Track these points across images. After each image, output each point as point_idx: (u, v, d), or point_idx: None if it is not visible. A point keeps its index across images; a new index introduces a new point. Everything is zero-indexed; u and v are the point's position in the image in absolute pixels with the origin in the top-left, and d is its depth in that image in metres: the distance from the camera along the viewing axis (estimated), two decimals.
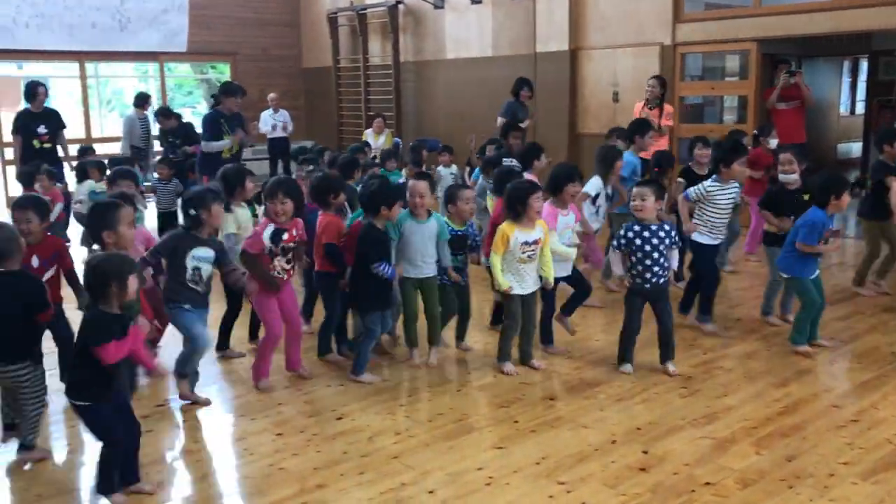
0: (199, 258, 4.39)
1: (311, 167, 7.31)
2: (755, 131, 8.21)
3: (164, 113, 11.17)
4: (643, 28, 10.26)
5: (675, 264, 4.97)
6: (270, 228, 4.61)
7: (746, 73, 9.78)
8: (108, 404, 3.36)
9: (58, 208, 7.59)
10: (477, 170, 9.23)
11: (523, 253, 4.79)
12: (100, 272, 3.31)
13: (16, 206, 4.46)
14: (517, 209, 4.75)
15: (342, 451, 3.94)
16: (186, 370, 4.52)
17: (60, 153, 9.72)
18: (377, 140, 10.80)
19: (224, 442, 4.16)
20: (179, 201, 5.81)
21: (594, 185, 6.21)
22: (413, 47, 13.44)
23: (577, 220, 5.45)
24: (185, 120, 11.30)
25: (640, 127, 7.15)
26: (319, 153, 8.89)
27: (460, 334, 5.41)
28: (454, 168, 9.44)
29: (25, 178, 8.05)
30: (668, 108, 8.88)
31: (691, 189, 5.67)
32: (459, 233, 5.13)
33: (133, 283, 3.35)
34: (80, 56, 13.17)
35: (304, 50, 15.42)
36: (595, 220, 6.27)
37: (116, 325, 3.30)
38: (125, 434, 3.42)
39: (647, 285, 4.82)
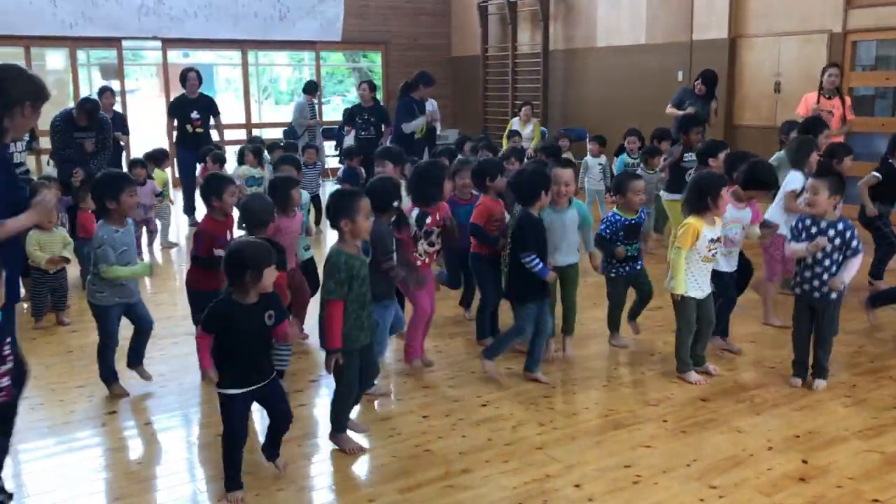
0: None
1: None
2: None
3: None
4: (811, 14, 9.68)
5: (847, 276, 4.37)
6: (416, 211, 4.68)
7: None
8: (241, 395, 3.30)
9: None
10: (619, 160, 9.05)
11: (709, 251, 4.55)
12: (236, 258, 3.24)
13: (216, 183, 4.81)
14: (707, 202, 4.48)
15: (487, 438, 3.94)
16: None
17: (214, 138, 10.14)
18: (524, 129, 10.73)
19: (371, 420, 4.22)
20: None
21: (796, 179, 5.61)
22: (563, 35, 13.28)
23: (756, 221, 5.00)
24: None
25: (815, 125, 6.59)
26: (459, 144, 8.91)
27: (633, 315, 5.28)
28: (603, 158, 9.27)
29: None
30: (847, 99, 8.34)
31: None
32: (633, 221, 4.98)
33: (270, 274, 3.25)
34: (243, 45, 13.80)
35: (453, 39, 15.53)
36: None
37: (246, 316, 3.25)
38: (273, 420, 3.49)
39: (816, 294, 4.41)
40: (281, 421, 3.51)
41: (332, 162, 13.34)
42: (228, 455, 3.36)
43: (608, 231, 5.00)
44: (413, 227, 4.67)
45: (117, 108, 10.46)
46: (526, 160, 7.03)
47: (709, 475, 3.56)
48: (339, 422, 3.86)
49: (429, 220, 4.70)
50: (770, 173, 4.97)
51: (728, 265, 4.92)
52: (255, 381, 3.33)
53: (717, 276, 4.77)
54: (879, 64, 10.07)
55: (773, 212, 5.63)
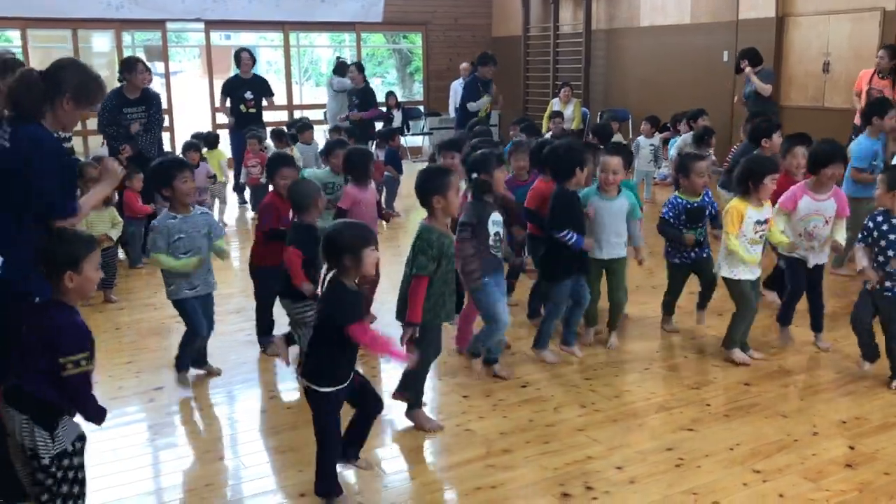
0: (496, 222, 4.27)
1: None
2: None
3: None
4: None
5: None
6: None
7: None
8: (344, 389, 3.17)
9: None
10: (673, 141, 8.93)
11: (756, 233, 4.46)
12: (333, 243, 3.10)
13: (279, 162, 4.91)
14: (748, 186, 4.41)
15: (528, 419, 3.94)
16: (479, 350, 4.41)
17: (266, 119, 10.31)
18: (565, 109, 10.65)
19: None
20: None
21: None
22: (606, 15, 13.11)
23: (843, 214, 4.69)
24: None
25: (880, 106, 6.30)
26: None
27: (702, 304, 5.17)
28: (656, 139, 9.16)
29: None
30: None
31: None
32: (695, 205, 4.85)
33: (371, 256, 3.11)
34: (284, 26, 13.85)
35: (494, 19, 15.42)
36: None
37: (359, 304, 3.14)
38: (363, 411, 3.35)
39: (888, 293, 4.19)
40: (374, 409, 3.38)
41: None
42: (330, 459, 3.20)
43: (670, 214, 4.88)
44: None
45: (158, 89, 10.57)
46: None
47: (752, 459, 3.53)
48: (417, 398, 3.88)
49: None
50: (834, 147, 4.73)
51: (815, 258, 4.72)
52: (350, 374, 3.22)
53: (793, 266, 4.73)
54: None
55: None
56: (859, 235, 4.35)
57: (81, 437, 2.80)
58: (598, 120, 12.16)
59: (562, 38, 13.90)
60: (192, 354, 4.48)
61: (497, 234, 4.24)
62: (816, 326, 4.87)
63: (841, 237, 4.67)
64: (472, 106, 9.85)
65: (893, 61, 7.99)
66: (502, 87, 15.20)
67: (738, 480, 3.36)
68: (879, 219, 4.22)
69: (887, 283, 4.20)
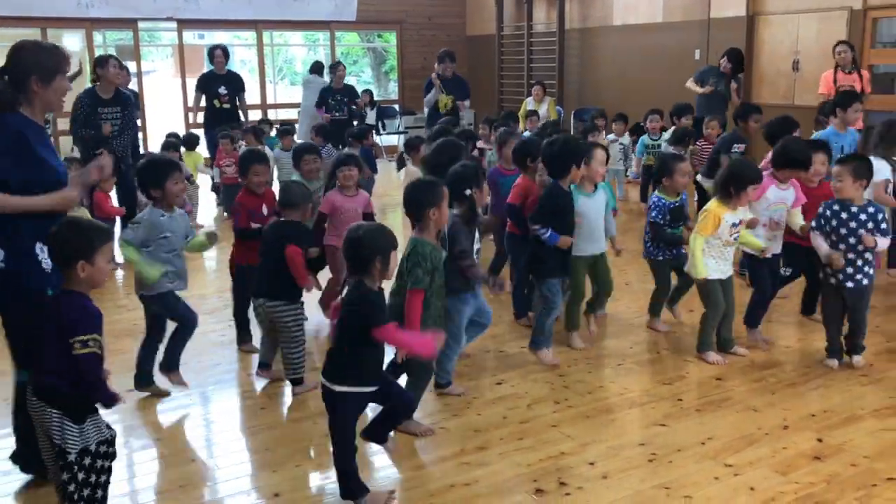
0: (477, 240, 4.26)
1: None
2: None
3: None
4: None
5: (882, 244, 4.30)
6: None
7: None
8: (367, 393, 3.14)
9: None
10: (640, 141, 9.00)
11: (731, 236, 4.49)
12: (364, 245, 3.04)
13: (252, 159, 4.85)
14: (730, 191, 4.42)
15: (502, 416, 3.96)
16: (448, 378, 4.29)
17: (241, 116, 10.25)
18: (540, 108, 10.70)
19: None
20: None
21: (882, 169, 5.32)
22: (579, 14, 13.18)
23: (797, 205, 4.81)
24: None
25: (845, 99, 6.39)
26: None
27: (675, 300, 5.23)
28: (625, 138, 9.22)
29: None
30: (865, 73, 8.27)
31: None
32: (676, 204, 4.91)
33: (395, 259, 3.14)
34: (258, 25, 13.79)
35: (468, 18, 15.45)
36: None
37: (384, 306, 3.13)
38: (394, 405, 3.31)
39: (850, 283, 4.32)
40: (403, 410, 3.41)
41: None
42: (345, 460, 3.14)
43: (659, 216, 4.90)
44: None
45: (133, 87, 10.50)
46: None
47: (724, 454, 3.57)
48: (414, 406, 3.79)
49: None
50: (803, 151, 4.81)
51: (774, 248, 4.79)
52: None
53: (755, 263, 4.78)
54: None
55: None
56: (813, 223, 4.45)
57: (107, 442, 2.85)
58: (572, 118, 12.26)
59: (535, 36, 13.96)
60: (152, 364, 4.35)
61: (478, 251, 4.24)
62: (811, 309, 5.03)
63: (797, 223, 4.77)
64: (425, 101, 10.00)
65: (853, 53, 8.13)
66: (477, 86, 15.25)
67: (710, 474, 3.40)
68: (836, 207, 4.32)
69: (849, 271, 4.31)
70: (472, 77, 15.49)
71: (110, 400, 2.81)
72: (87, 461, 2.78)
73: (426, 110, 9.99)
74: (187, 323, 4.28)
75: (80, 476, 2.77)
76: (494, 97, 14.55)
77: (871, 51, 9.41)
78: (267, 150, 8.51)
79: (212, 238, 4.40)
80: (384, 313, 3.09)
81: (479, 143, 7.45)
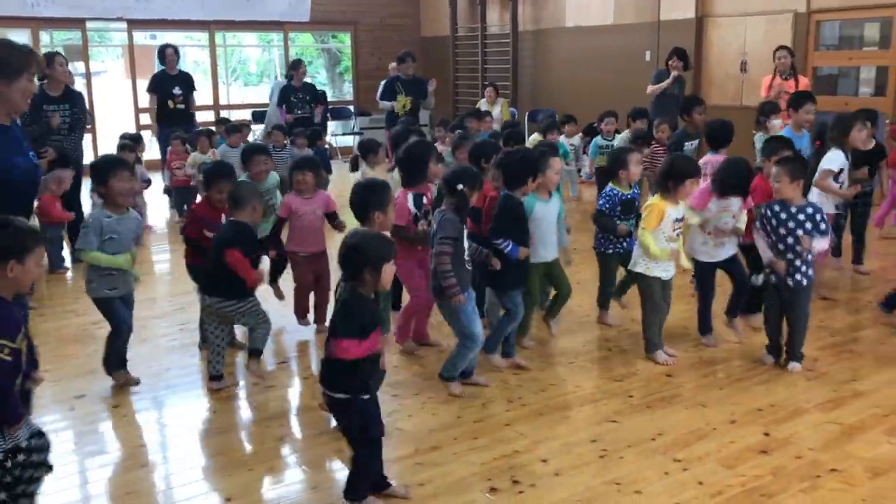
0: (468, 236, 4.25)
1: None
2: None
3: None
4: None
5: (815, 247, 4.34)
6: (411, 195, 4.65)
7: (888, 42, 9.18)
8: (365, 396, 3.09)
9: None
10: (593, 142, 9.09)
11: (674, 231, 4.55)
12: (357, 254, 2.99)
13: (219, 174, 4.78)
14: (669, 185, 4.50)
15: (456, 416, 3.98)
16: (454, 374, 4.29)
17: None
18: (493, 109, 10.75)
19: None
20: None
21: (836, 159, 5.51)
22: (532, 16, 13.28)
23: (745, 208, 4.86)
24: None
25: (797, 99, 6.45)
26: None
27: (621, 292, 5.30)
28: (576, 139, 9.31)
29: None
30: (802, 79, 8.46)
31: None
32: (628, 196, 4.98)
33: (390, 271, 3.05)
34: (210, 25, 13.63)
35: (422, 19, 15.47)
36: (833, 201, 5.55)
37: (368, 317, 3.02)
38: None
39: (789, 281, 4.38)
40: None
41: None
42: (356, 464, 3.12)
43: (607, 206, 4.97)
44: (412, 210, 4.63)
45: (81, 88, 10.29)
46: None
47: (673, 449, 3.63)
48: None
49: (424, 199, 4.69)
50: (742, 176, 4.77)
51: (715, 255, 4.84)
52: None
53: (701, 268, 4.85)
54: (843, 44, 10.21)
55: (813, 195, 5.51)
56: (756, 223, 4.54)
57: (38, 434, 2.74)
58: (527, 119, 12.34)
59: (489, 38, 14.03)
60: (119, 350, 4.38)
61: (468, 247, 4.25)
62: (740, 310, 5.03)
63: (741, 226, 4.86)
64: (380, 104, 10.14)
65: (792, 59, 8.33)
66: None
67: (660, 469, 3.46)
68: (776, 207, 4.41)
69: (788, 270, 4.39)
70: (428, 78, 15.56)
71: (13, 417, 2.63)
72: (21, 458, 2.66)
73: (385, 109, 10.04)
74: (113, 329, 4.30)
75: (13, 474, 2.65)
76: (449, 98, 14.58)
77: (815, 53, 9.66)
78: (217, 154, 8.45)
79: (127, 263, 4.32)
80: (354, 326, 2.96)
81: (436, 145, 7.47)
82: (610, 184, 5.08)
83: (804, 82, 8.42)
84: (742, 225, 4.85)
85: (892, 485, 3.31)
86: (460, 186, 4.05)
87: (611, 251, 5.09)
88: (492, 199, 4.69)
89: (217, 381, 4.38)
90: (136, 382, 4.41)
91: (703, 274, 4.91)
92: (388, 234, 3.76)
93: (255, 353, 4.35)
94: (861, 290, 6.06)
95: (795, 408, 4.06)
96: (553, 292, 5.06)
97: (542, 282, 4.86)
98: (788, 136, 6.18)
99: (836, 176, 5.51)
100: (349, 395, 3.04)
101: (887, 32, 9.19)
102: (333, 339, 2.98)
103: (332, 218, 5.11)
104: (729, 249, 4.87)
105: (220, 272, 4.18)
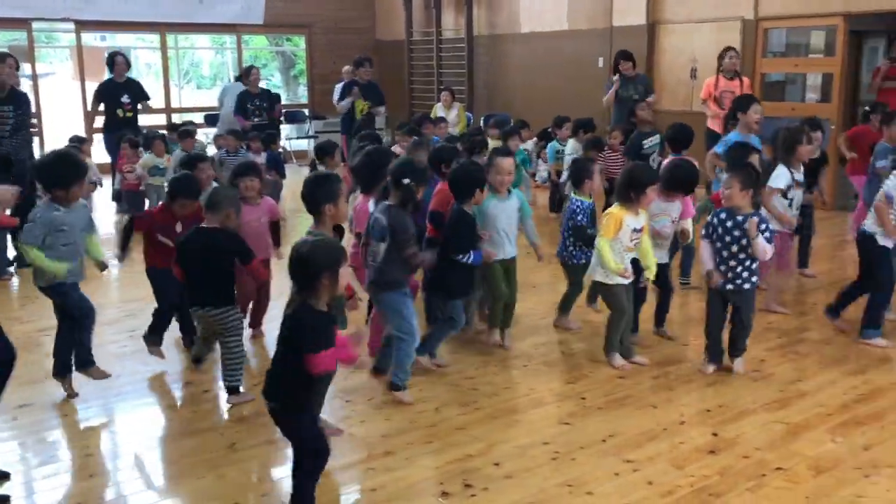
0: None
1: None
2: (866, 108, 7.87)
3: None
4: (725, 1, 9.96)
5: (757, 251, 4.35)
6: (372, 201, 4.62)
7: (832, 49, 9.42)
8: (311, 413, 3.09)
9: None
10: (550, 147, 9.17)
11: (632, 241, 4.58)
12: (311, 262, 2.90)
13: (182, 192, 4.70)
14: (630, 195, 4.51)
15: (409, 421, 3.98)
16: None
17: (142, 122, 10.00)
18: (449, 114, 10.78)
19: None
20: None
21: (782, 176, 5.44)
22: (487, 21, 13.35)
23: (686, 216, 5.00)
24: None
25: (744, 102, 6.37)
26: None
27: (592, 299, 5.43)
28: (529, 144, 9.36)
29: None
30: (746, 80, 8.67)
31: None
32: (592, 206, 5.03)
33: (345, 274, 2.99)
34: (161, 27, 13.45)
35: (377, 22, 15.44)
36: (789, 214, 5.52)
37: (330, 328, 2.96)
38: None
39: (731, 286, 4.45)
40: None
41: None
42: (314, 484, 3.09)
43: (584, 219, 5.00)
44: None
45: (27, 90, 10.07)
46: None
47: (624, 450, 3.68)
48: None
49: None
50: (689, 174, 4.91)
51: (659, 258, 4.90)
52: None
53: (635, 269, 4.78)
54: (789, 50, 10.45)
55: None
56: (702, 231, 4.59)
57: None
58: (482, 124, 12.39)
59: (445, 42, 14.07)
60: (69, 353, 4.30)
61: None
62: (660, 322, 5.19)
63: (685, 236, 5.06)
64: (339, 106, 10.20)
65: (739, 60, 8.53)
66: (387, 91, 15.27)
67: (611, 470, 3.50)
68: (723, 215, 4.46)
69: (730, 276, 4.45)
70: (383, 82, 15.50)
71: None
72: None
73: (342, 109, 10.08)
74: (87, 313, 4.27)
75: None
76: (405, 102, 14.58)
77: (763, 59, 9.86)
78: (173, 161, 8.35)
79: (102, 266, 4.45)
80: (324, 340, 2.90)
81: (394, 149, 7.46)
82: (574, 195, 5.12)
83: (748, 83, 8.63)
84: (688, 227, 4.97)
85: (834, 482, 3.39)
86: (406, 180, 4.07)
87: (584, 261, 5.05)
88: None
89: (199, 364, 4.51)
90: (108, 375, 4.42)
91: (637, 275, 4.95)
92: (346, 227, 3.80)
93: (232, 391, 4.24)
94: (807, 293, 6.20)
95: (743, 408, 4.13)
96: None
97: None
98: (738, 139, 6.26)
99: (785, 193, 5.50)
100: (304, 411, 3.02)
101: (832, 40, 9.42)
102: (306, 356, 2.86)
103: (275, 229, 5.11)
104: (662, 256, 4.95)
105: (204, 279, 4.14)
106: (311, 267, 2.91)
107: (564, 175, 8.33)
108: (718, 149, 6.16)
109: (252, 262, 4.27)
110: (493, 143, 8.43)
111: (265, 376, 3.09)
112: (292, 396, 2.99)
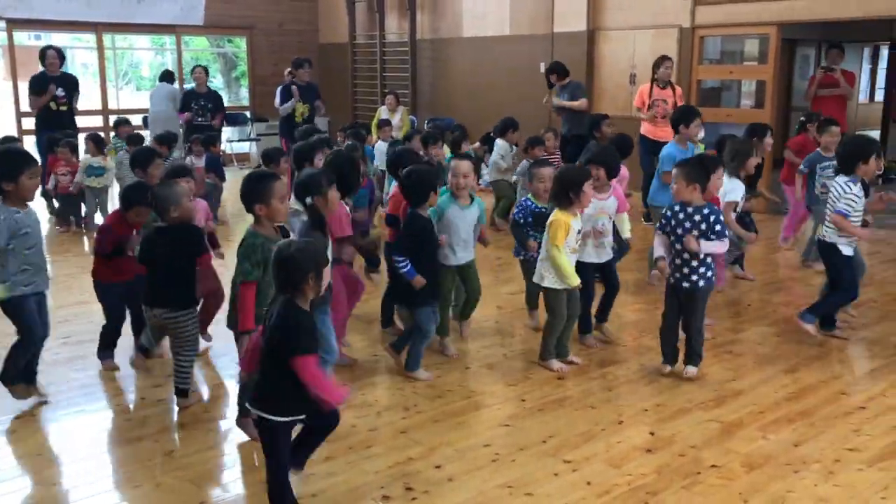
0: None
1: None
2: (802, 117, 8.07)
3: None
4: (663, 9, 10.18)
5: (705, 248, 4.37)
6: (346, 207, 4.58)
7: (766, 57, 9.69)
8: (291, 422, 3.07)
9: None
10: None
11: (577, 243, 4.60)
12: (297, 264, 2.91)
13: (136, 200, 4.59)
14: (570, 197, 4.46)
15: (351, 425, 3.96)
16: None
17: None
18: (393, 118, 10.79)
19: (233, 411, 4.14)
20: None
21: (738, 189, 5.48)
22: (430, 25, 13.38)
23: (622, 210, 5.08)
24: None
25: (686, 114, 6.43)
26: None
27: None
28: (470, 149, 9.40)
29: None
30: (678, 88, 8.88)
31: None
32: (543, 210, 4.97)
33: (328, 274, 2.98)
34: (98, 27, 13.17)
35: (320, 25, 15.36)
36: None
37: (316, 331, 2.99)
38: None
39: (685, 283, 4.46)
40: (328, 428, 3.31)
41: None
42: (286, 494, 3.11)
43: (520, 216, 5.10)
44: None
45: None
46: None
47: (563, 450, 3.72)
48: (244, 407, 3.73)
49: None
50: (612, 155, 5.08)
51: (598, 256, 4.96)
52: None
53: (582, 267, 4.80)
54: (725, 58, 10.72)
55: None
56: (657, 224, 4.68)
57: None
58: (426, 126, 12.40)
59: (388, 46, 14.05)
60: (21, 365, 4.15)
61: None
62: (602, 317, 5.22)
63: (625, 231, 5.17)
64: (281, 109, 10.11)
65: (673, 70, 8.74)
66: (330, 94, 15.22)
67: (550, 471, 3.54)
68: (676, 209, 4.51)
69: (685, 271, 4.47)
70: (326, 85, 15.43)
71: None
72: None
73: (283, 113, 10.03)
74: (28, 334, 4.09)
75: None
76: (348, 106, 14.53)
77: (699, 67, 10.09)
78: (112, 161, 8.20)
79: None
80: (315, 342, 2.95)
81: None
82: (528, 195, 5.19)
83: (679, 92, 8.82)
84: (627, 224, 5.12)
85: (765, 478, 3.48)
86: (309, 200, 3.90)
87: (523, 257, 5.20)
88: (405, 208, 4.71)
89: (144, 354, 4.51)
90: (45, 399, 4.25)
91: (584, 274, 4.94)
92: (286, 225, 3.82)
93: (182, 393, 4.18)
94: (742, 293, 6.36)
95: (679, 407, 4.22)
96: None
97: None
98: (676, 152, 6.24)
99: (736, 206, 5.55)
100: (288, 419, 3.01)
101: (765, 48, 9.69)
102: (296, 358, 2.86)
103: (210, 236, 5.06)
104: (607, 254, 5.02)
105: (167, 279, 4.08)
106: (297, 269, 2.92)
107: (515, 177, 8.41)
108: (667, 167, 6.12)
109: (204, 256, 4.29)
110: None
111: (252, 385, 3.08)
112: (273, 400, 2.98)
